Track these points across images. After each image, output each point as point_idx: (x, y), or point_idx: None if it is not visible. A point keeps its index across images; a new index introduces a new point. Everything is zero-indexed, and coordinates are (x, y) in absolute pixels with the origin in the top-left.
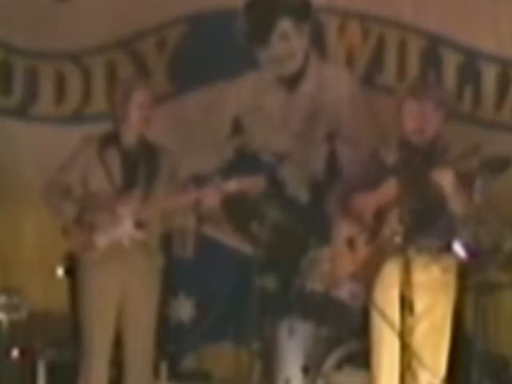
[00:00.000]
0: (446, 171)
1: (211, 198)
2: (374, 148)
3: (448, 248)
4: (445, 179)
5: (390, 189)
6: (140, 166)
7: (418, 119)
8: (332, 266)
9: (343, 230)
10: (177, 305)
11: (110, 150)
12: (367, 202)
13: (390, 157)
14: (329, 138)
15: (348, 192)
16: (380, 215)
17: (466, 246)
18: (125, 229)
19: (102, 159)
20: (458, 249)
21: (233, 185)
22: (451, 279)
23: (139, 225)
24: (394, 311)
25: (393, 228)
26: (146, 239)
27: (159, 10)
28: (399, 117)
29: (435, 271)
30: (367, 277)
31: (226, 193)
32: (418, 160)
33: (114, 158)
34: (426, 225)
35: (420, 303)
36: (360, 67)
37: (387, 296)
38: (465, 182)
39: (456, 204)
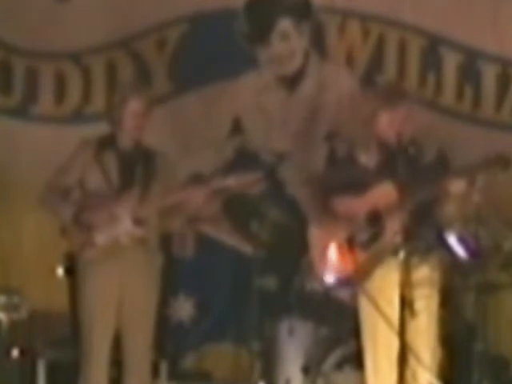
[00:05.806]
0: (460, 182)
1: (197, 198)
2: (349, 150)
3: (441, 242)
4: (456, 189)
5: (386, 192)
6: (136, 168)
7: (394, 127)
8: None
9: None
10: (177, 305)
11: (107, 152)
12: (357, 205)
13: (371, 160)
14: (329, 138)
15: (325, 194)
16: (377, 218)
17: (462, 241)
18: (124, 226)
19: (100, 162)
20: (454, 243)
21: (231, 181)
22: (438, 277)
23: (138, 221)
24: (394, 312)
25: (393, 230)
26: (145, 236)
27: (159, 10)
28: (374, 123)
29: (425, 270)
30: (366, 277)
31: (226, 190)
32: (397, 163)
33: (110, 161)
34: (418, 225)
35: (416, 302)
36: (360, 67)
37: (387, 296)
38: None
39: (453, 208)
